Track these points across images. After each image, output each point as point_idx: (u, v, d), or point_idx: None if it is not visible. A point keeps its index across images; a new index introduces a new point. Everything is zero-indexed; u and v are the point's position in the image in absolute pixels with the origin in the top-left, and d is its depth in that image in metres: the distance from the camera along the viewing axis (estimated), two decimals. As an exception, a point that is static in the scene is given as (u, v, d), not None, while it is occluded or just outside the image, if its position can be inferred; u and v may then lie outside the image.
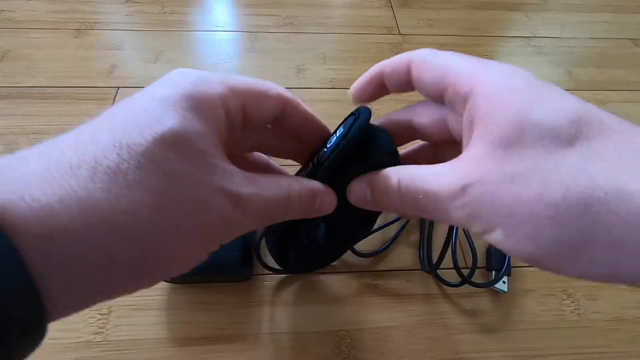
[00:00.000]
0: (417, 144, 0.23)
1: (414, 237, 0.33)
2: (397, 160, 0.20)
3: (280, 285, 0.30)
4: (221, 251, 0.29)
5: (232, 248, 0.29)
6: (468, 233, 0.32)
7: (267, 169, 0.24)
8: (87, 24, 0.49)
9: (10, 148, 0.36)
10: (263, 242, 0.30)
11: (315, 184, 0.19)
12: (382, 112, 0.34)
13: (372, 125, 0.21)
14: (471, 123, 0.16)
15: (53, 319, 0.15)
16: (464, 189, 0.15)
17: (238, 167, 0.17)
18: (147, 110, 0.15)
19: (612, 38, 0.54)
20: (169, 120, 0.15)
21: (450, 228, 0.30)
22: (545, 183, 0.14)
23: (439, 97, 0.19)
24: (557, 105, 0.15)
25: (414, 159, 0.23)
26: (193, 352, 0.27)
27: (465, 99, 0.17)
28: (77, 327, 0.27)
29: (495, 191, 0.15)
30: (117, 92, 0.42)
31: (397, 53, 0.52)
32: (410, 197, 0.17)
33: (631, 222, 0.13)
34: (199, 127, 0.16)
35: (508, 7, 0.57)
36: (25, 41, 0.46)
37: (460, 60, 0.18)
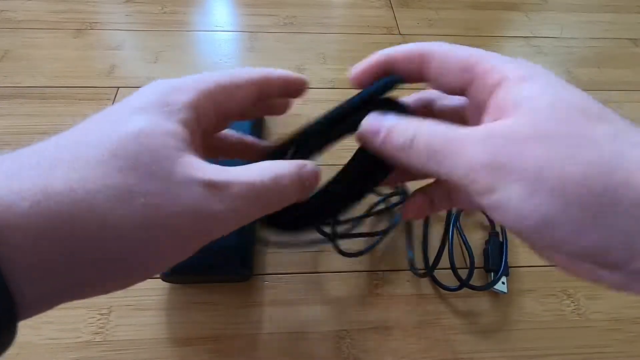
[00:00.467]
0: None
1: (414, 237, 0.33)
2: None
3: (280, 285, 0.30)
4: (221, 251, 0.29)
5: (232, 248, 0.29)
6: (464, 235, 0.32)
7: (242, 143, 0.24)
8: (87, 24, 0.49)
9: (10, 148, 0.36)
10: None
11: (300, 161, 0.19)
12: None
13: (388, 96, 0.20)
14: (500, 109, 0.16)
15: (21, 317, 0.15)
16: (489, 135, 0.15)
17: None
18: (117, 115, 0.16)
19: (612, 38, 0.54)
20: (134, 122, 0.16)
21: (446, 230, 0.30)
22: (579, 145, 0.14)
23: (459, 87, 0.18)
24: (580, 92, 0.16)
25: None
26: (193, 352, 0.27)
27: (495, 86, 0.17)
28: (77, 327, 0.27)
29: (525, 145, 0.15)
30: (117, 92, 0.42)
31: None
32: (427, 136, 0.17)
33: None
34: (165, 126, 0.16)
35: (508, 7, 0.57)
36: (25, 41, 0.46)
37: (485, 53, 0.18)
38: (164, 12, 0.52)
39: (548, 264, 0.32)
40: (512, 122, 0.16)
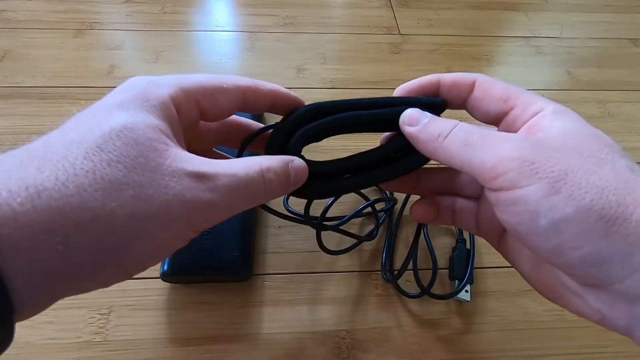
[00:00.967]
0: None
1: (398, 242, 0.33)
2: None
3: (280, 285, 0.30)
4: (221, 251, 0.29)
5: (232, 248, 0.29)
6: (429, 241, 0.32)
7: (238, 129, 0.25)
8: (87, 24, 0.49)
9: (10, 148, 0.36)
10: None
11: (286, 156, 0.20)
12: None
13: None
14: (533, 126, 0.19)
15: (20, 316, 0.15)
16: (524, 139, 0.18)
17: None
18: (99, 112, 0.17)
19: (612, 38, 0.54)
20: (117, 117, 0.16)
21: (416, 236, 0.29)
22: (602, 165, 0.16)
23: (496, 115, 0.21)
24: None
25: None
26: (193, 352, 0.27)
27: (532, 115, 0.19)
28: (77, 327, 0.27)
29: (555, 152, 0.17)
30: (117, 92, 0.42)
31: (397, 53, 0.52)
32: (466, 130, 0.19)
33: None
34: (147, 120, 0.16)
35: (508, 7, 0.58)
36: (25, 41, 0.46)
37: (521, 89, 0.21)
38: (164, 12, 0.52)
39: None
40: (546, 135, 0.18)
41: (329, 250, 0.30)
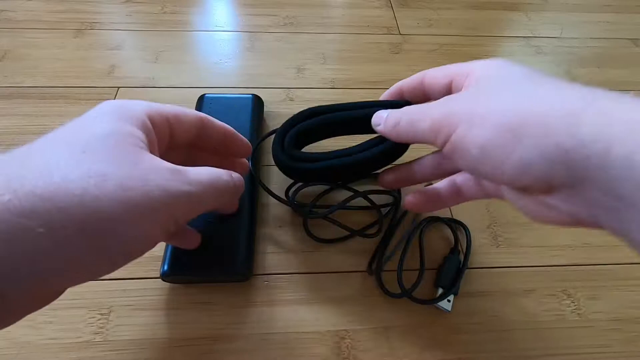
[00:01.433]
0: None
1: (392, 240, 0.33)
2: None
3: (280, 285, 0.30)
4: (221, 251, 0.29)
5: (232, 248, 0.29)
6: (422, 244, 0.32)
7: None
8: (87, 24, 0.49)
9: (11, 148, 0.36)
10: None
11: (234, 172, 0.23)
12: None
13: None
14: (463, 86, 0.22)
15: (6, 304, 0.16)
16: (447, 99, 0.22)
17: None
18: (83, 123, 0.18)
19: (612, 38, 0.54)
20: (100, 126, 0.18)
21: (409, 237, 0.31)
22: (506, 94, 0.19)
23: (445, 89, 0.25)
24: (535, 70, 0.21)
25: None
26: (193, 352, 0.27)
27: (465, 76, 0.23)
28: (77, 327, 0.27)
29: (465, 98, 0.21)
30: (117, 92, 0.42)
31: (397, 53, 0.52)
32: (408, 114, 0.24)
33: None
34: (128, 129, 0.19)
35: (508, 7, 0.58)
36: (25, 41, 0.46)
37: (463, 63, 0.24)
38: (164, 12, 0.52)
39: (548, 264, 0.32)
40: (466, 87, 0.22)
41: (317, 237, 0.32)
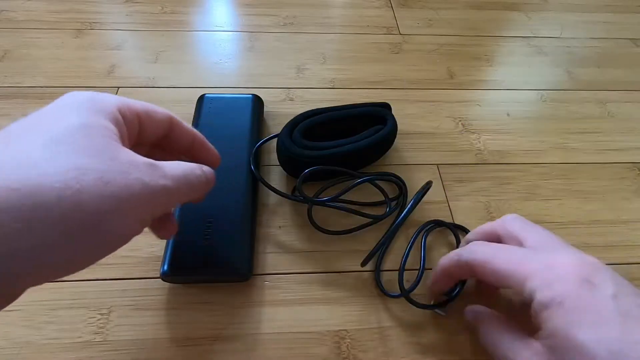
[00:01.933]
0: None
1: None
2: None
3: (280, 285, 0.30)
4: (221, 251, 0.29)
5: (232, 248, 0.29)
6: (424, 248, 0.31)
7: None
8: (87, 24, 0.49)
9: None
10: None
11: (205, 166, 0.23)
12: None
13: None
14: (537, 322, 0.22)
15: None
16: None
17: None
18: (54, 114, 0.18)
19: (612, 38, 0.54)
20: (73, 118, 0.18)
21: (412, 241, 0.32)
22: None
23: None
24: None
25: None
26: (193, 352, 0.27)
27: (529, 300, 0.22)
28: (77, 327, 0.27)
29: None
30: (117, 92, 0.42)
31: (397, 53, 0.52)
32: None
33: None
34: (101, 122, 0.18)
35: (508, 7, 0.58)
36: (25, 41, 0.46)
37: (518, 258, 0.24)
38: (164, 12, 0.52)
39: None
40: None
41: (321, 227, 0.32)
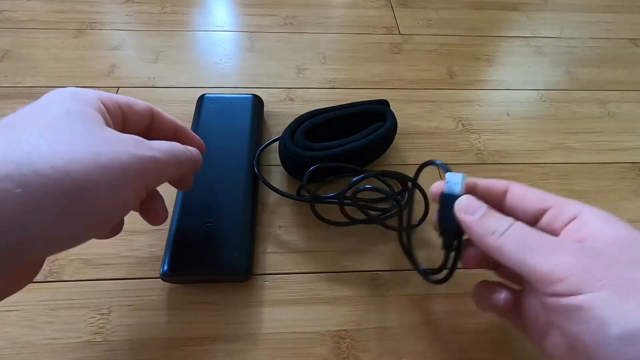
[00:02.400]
0: None
1: (416, 237, 0.33)
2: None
3: (281, 285, 0.30)
4: (221, 251, 0.29)
5: (232, 248, 0.29)
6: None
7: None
8: (87, 24, 0.49)
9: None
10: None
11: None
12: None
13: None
14: (582, 233, 0.20)
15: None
16: (582, 248, 0.19)
17: None
18: (42, 105, 0.19)
19: (612, 38, 0.54)
20: (59, 107, 0.19)
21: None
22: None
23: (535, 213, 0.22)
24: None
25: None
26: (193, 352, 0.27)
27: (571, 217, 0.21)
28: (77, 327, 0.27)
29: (616, 262, 0.18)
30: (117, 92, 0.42)
31: (397, 53, 0.52)
32: (521, 230, 0.20)
33: None
34: (85, 109, 0.19)
35: (508, 7, 0.58)
36: (25, 41, 0.46)
37: (553, 195, 0.23)
38: (164, 12, 0.52)
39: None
40: (600, 244, 0.18)
41: (324, 219, 0.32)
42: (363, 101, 0.38)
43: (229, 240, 0.29)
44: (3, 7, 0.50)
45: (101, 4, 0.52)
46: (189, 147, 0.24)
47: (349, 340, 0.28)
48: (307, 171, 0.31)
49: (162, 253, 0.29)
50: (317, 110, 0.37)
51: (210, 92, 0.39)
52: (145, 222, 0.25)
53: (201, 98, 0.39)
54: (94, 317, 0.28)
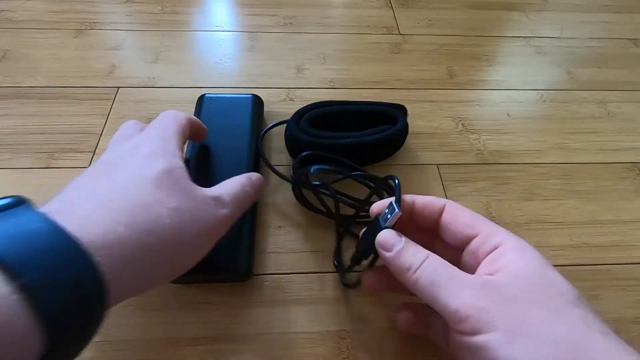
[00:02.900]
0: None
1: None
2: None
3: (281, 285, 0.30)
4: (221, 251, 0.29)
5: (232, 248, 0.29)
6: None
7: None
8: (87, 24, 0.49)
9: (11, 148, 0.36)
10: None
11: (250, 173, 0.28)
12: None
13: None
14: (495, 266, 0.21)
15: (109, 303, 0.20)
16: (485, 285, 0.20)
17: None
18: (138, 163, 0.22)
19: (612, 38, 0.54)
20: (158, 166, 0.22)
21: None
22: (557, 318, 0.18)
23: (462, 239, 0.23)
24: (559, 274, 0.20)
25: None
26: (193, 352, 0.27)
27: (494, 247, 0.21)
28: (77, 327, 0.27)
29: (513, 301, 0.19)
30: (117, 92, 0.42)
31: (397, 53, 0.52)
32: (433, 267, 0.21)
33: None
34: (177, 164, 0.23)
35: (508, 7, 0.58)
36: (25, 41, 0.46)
37: (484, 218, 0.24)
38: (164, 12, 0.52)
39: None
40: (504, 278, 0.20)
41: (307, 202, 0.33)
42: (380, 102, 0.37)
43: (229, 240, 0.29)
44: (3, 7, 0.50)
45: (101, 4, 0.52)
46: (253, 177, 0.27)
47: (349, 340, 0.28)
48: (298, 156, 0.32)
49: (162, 253, 0.29)
50: (328, 101, 0.37)
51: (210, 92, 0.39)
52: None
53: (201, 98, 0.39)
54: (94, 317, 0.28)
